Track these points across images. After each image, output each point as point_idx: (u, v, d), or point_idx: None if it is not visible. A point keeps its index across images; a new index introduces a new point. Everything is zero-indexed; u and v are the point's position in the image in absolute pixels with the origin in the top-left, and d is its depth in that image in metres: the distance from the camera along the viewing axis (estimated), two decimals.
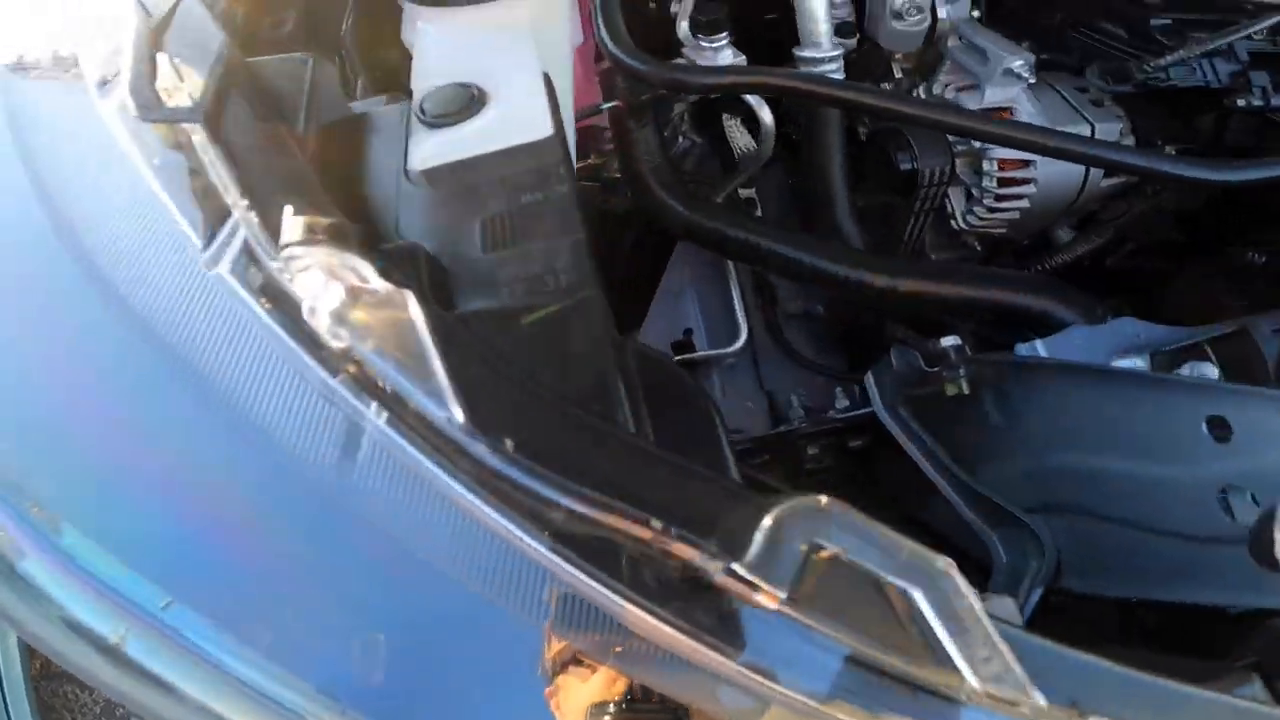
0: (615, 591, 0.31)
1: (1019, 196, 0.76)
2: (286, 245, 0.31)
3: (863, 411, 0.72)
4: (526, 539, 0.31)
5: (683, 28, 0.77)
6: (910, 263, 0.79)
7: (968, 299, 0.72)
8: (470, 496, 0.32)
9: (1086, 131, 0.77)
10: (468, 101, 0.45)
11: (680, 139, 0.87)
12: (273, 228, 0.34)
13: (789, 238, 0.72)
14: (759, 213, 0.84)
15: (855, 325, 0.81)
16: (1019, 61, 0.76)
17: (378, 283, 0.32)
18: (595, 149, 0.81)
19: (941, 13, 0.82)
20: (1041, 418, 0.60)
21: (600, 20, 0.64)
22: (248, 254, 0.34)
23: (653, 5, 0.86)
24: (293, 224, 0.32)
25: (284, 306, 0.34)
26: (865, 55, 0.86)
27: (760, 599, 0.29)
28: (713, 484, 0.35)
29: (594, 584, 0.31)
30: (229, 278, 0.34)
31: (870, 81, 0.86)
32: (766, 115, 0.77)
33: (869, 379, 0.64)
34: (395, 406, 0.33)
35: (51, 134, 0.46)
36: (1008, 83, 0.78)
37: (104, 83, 0.43)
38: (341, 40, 0.65)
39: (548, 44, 0.54)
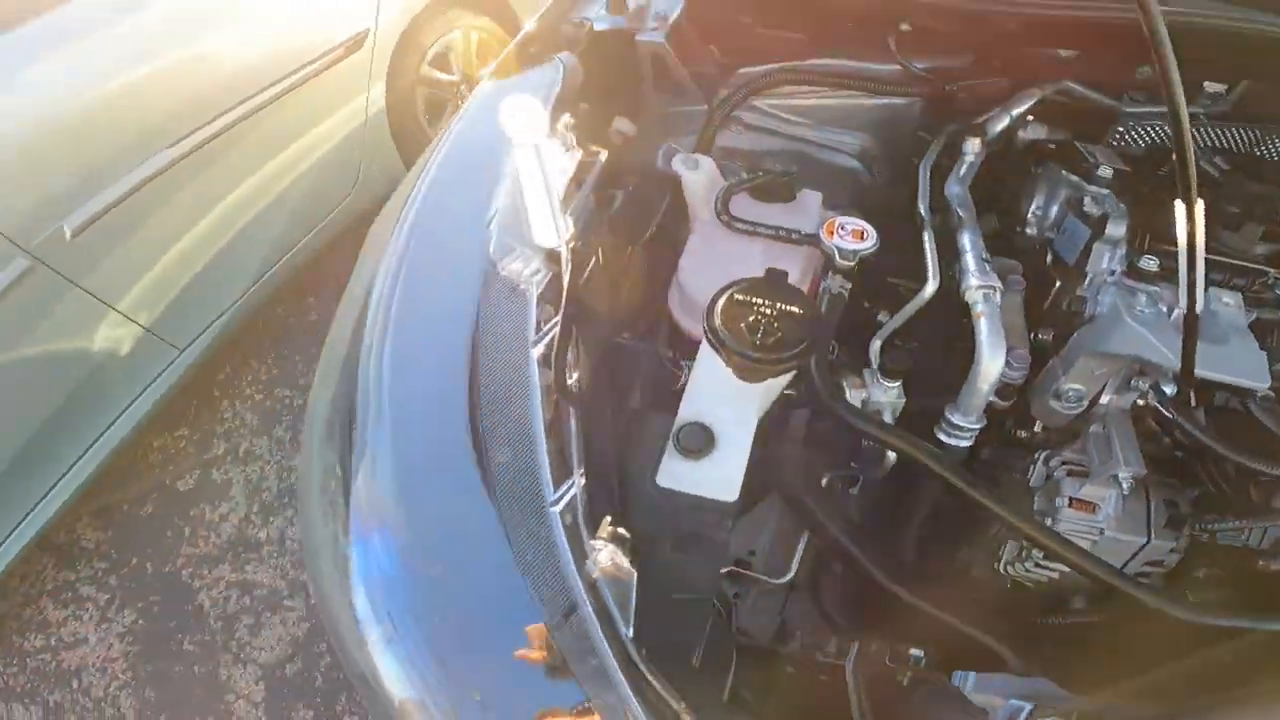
0: None
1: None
2: (596, 536, 0.66)
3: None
4: None
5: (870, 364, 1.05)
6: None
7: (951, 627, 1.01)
8: None
9: (1140, 542, 1.01)
10: (703, 444, 0.77)
11: None
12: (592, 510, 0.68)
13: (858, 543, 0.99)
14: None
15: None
16: (1126, 473, 0.96)
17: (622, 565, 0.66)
18: None
19: (1105, 398, 1.05)
20: None
21: (817, 378, 0.92)
22: (573, 517, 0.68)
23: (866, 305, 1.15)
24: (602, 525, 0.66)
25: (578, 554, 0.68)
26: (1013, 408, 1.10)
27: None
28: None
29: None
30: (558, 527, 0.68)
31: (1001, 433, 1.12)
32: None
33: (849, 662, 0.95)
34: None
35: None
36: (1109, 483, 0.99)
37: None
38: None
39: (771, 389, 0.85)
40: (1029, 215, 1.33)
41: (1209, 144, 1.28)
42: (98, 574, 2.42)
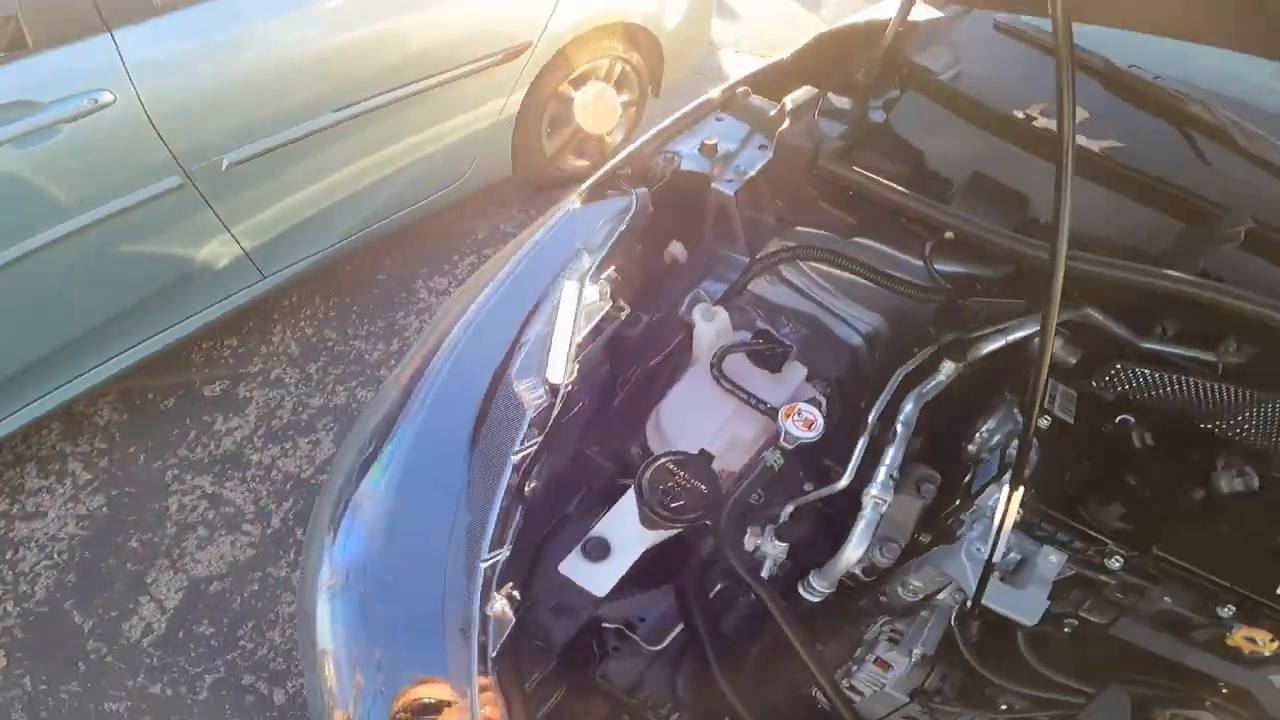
0: None
1: None
2: (499, 591, 1.00)
3: None
4: None
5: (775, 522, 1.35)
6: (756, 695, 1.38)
7: None
8: None
9: (902, 701, 1.33)
10: (600, 554, 1.10)
11: None
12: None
13: (712, 640, 1.30)
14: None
15: None
16: (919, 651, 1.24)
17: None
18: None
19: (941, 595, 1.34)
20: None
21: (719, 537, 1.25)
22: (493, 574, 1.02)
23: (800, 474, 1.45)
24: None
25: (485, 596, 1.02)
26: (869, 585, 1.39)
27: None
28: None
29: None
30: (480, 575, 1.02)
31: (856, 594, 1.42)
32: None
33: None
34: None
35: None
36: (906, 654, 1.26)
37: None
38: None
39: None
40: (977, 434, 1.52)
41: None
42: (93, 453, 2.62)
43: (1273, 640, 1.09)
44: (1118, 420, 1.33)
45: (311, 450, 2.66)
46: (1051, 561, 1.27)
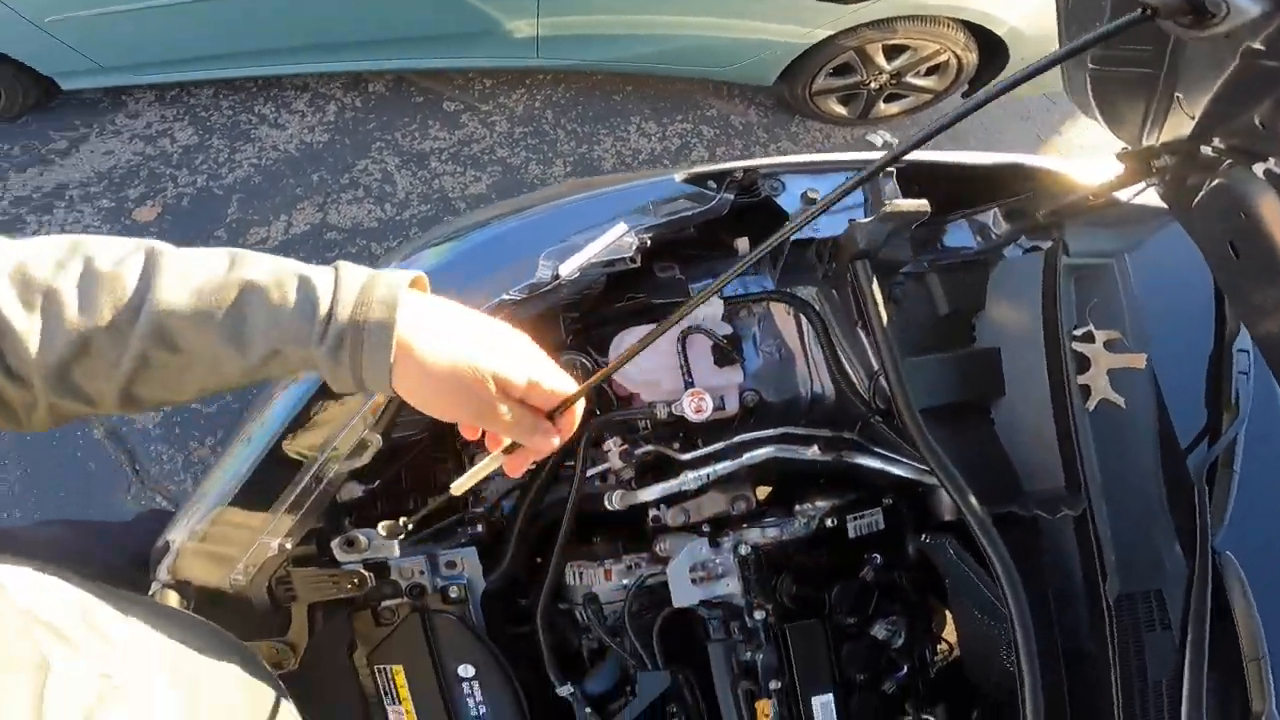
0: None
1: None
2: None
3: None
4: None
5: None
6: None
7: None
8: None
9: None
10: None
11: None
12: None
13: None
14: None
15: None
16: None
17: None
18: None
19: None
20: None
21: None
22: None
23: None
24: None
25: None
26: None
27: None
28: None
29: None
30: None
31: None
32: None
33: None
34: None
35: None
36: None
37: None
38: None
39: None
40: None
41: None
42: (347, 106, 3.26)
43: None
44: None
45: (471, 184, 3.23)
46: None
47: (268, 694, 0.85)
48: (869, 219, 1.41)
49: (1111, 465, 1.26)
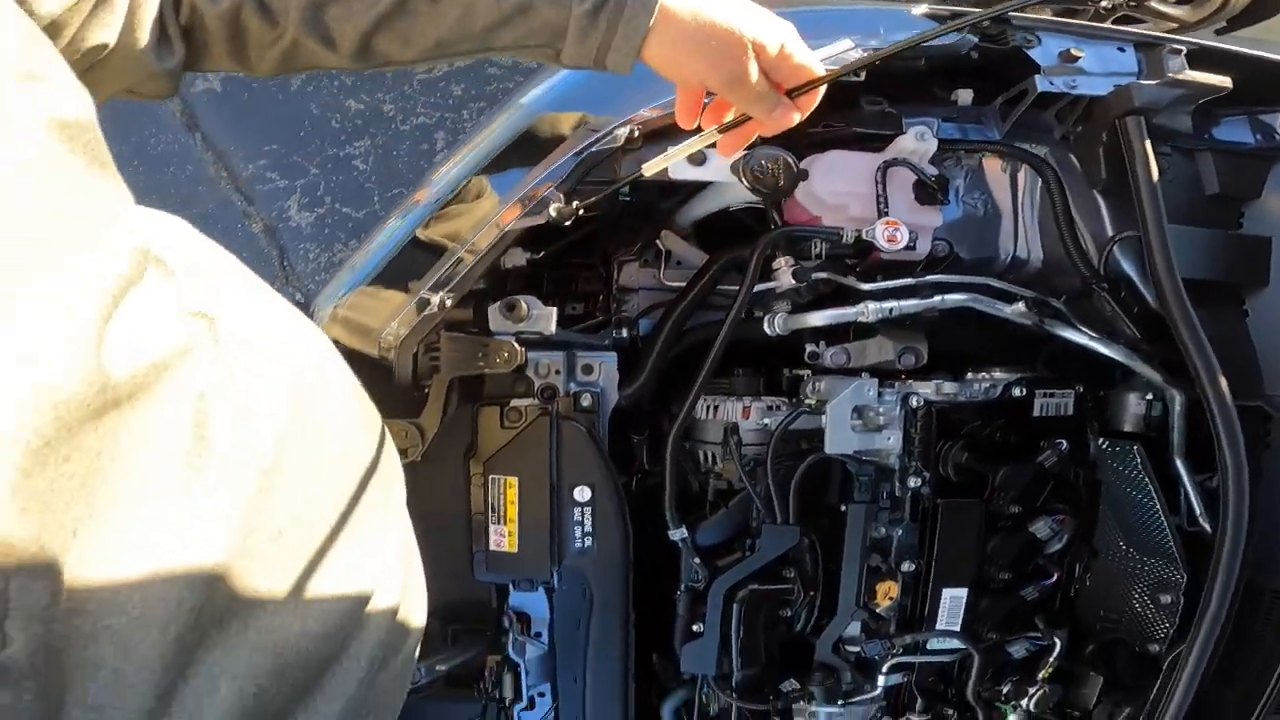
0: None
1: None
2: None
3: None
4: None
5: None
6: None
7: None
8: None
9: None
10: None
11: None
12: None
13: None
14: None
15: None
16: None
17: None
18: None
19: None
20: None
21: None
22: None
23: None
24: None
25: None
26: None
27: None
28: None
29: None
30: None
31: None
32: None
33: None
34: None
35: None
36: None
37: None
38: None
39: None
40: None
41: None
42: None
43: None
44: None
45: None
46: None
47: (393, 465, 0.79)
48: (1153, 81, 1.30)
49: None
